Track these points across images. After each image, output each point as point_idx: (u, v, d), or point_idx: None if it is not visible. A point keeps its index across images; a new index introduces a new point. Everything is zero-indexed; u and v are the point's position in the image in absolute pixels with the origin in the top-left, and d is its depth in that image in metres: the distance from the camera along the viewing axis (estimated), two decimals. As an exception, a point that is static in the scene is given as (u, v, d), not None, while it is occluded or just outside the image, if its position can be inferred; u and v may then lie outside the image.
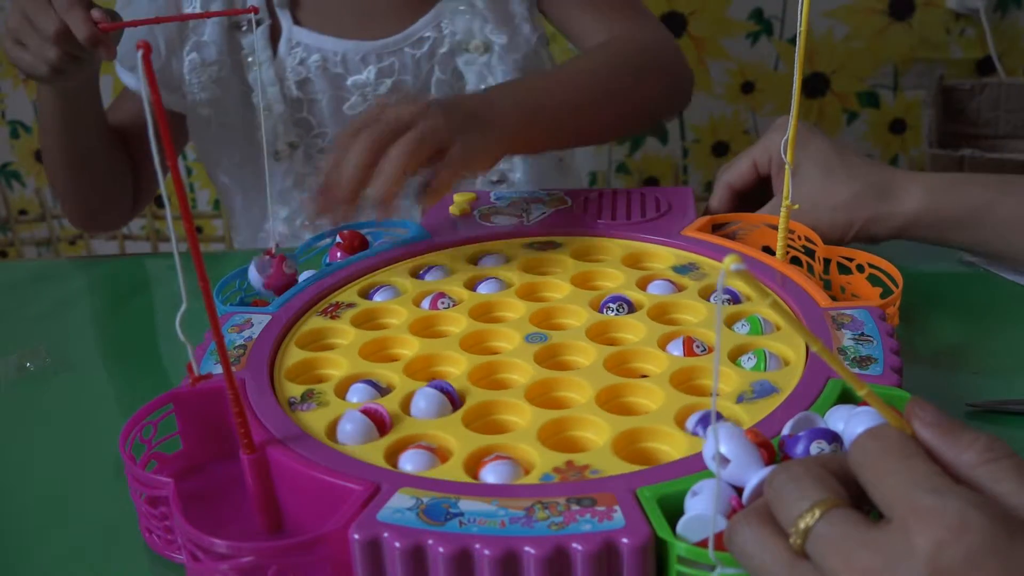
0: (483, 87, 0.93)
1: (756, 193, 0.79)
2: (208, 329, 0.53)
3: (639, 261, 0.67)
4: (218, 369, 0.51)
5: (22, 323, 0.78)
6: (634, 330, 0.56)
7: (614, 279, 0.64)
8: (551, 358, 0.55)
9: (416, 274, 0.66)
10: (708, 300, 0.59)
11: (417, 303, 0.62)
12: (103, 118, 0.94)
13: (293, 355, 0.56)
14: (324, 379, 0.54)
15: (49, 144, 0.94)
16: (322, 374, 0.55)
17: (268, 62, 0.92)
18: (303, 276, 0.65)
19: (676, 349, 0.53)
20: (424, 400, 0.49)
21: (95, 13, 0.73)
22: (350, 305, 0.62)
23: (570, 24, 0.99)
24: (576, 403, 0.50)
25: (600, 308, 0.59)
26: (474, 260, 0.68)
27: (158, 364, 0.69)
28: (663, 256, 0.67)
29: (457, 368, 0.54)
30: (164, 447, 0.50)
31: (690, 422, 0.47)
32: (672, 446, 0.46)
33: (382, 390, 0.52)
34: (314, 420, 0.49)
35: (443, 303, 0.61)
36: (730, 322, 0.56)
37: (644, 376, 0.52)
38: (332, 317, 0.60)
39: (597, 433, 0.47)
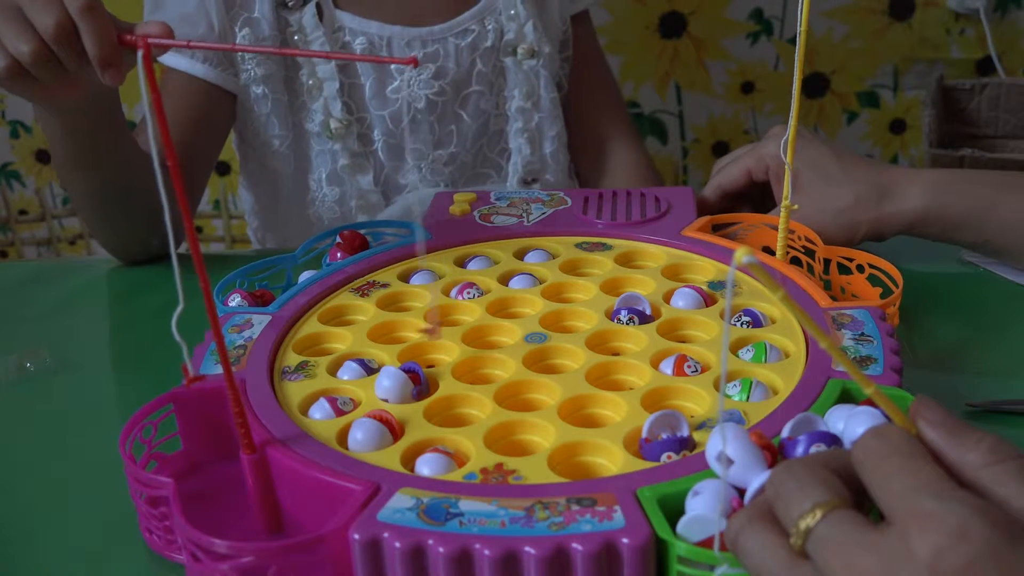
0: (526, 89, 1.00)
1: (753, 196, 0.80)
2: (208, 329, 0.53)
3: (679, 272, 0.65)
4: (218, 369, 0.51)
5: (22, 323, 0.78)
6: (636, 341, 0.56)
7: (645, 287, 0.62)
8: (540, 360, 0.55)
9: (461, 263, 0.68)
10: (731, 321, 0.56)
11: (447, 291, 0.63)
12: (126, 146, 0.81)
13: (309, 327, 0.59)
14: (327, 352, 0.57)
15: (68, 178, 0.83)
16: (327, 347, 0.58)
17: (322, 40, 0.93)
18: (303, 276, 0.65)
19: (667, 367, 0.52)
20: (388, 379, 0.50)
21: (152, 27, 0.57)
22: (384, 285, 0.64)
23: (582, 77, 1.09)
24: (540, 407, 0.50)
25: (612, 316, 0.58)
26: (521, 255, 0.69)
27: (158, 364, 0.69)
28: (704, 269, 0.65)
29: (449, 356, 0.55)
30: (164, 447, 0.50)
31: (645, 425, 0.45)
32: (611, 461, 0.45)
33: (370, 370, 0.53)
34: (298, 392, 0.51)
35: (469, 293, 0.62)
36: (737, 346, 0.54)
37: (631, 389, 0.51)
38: (363, 295, 0.63)
39: (545, 438, 0.47)
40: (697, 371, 0.52)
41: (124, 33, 0.56)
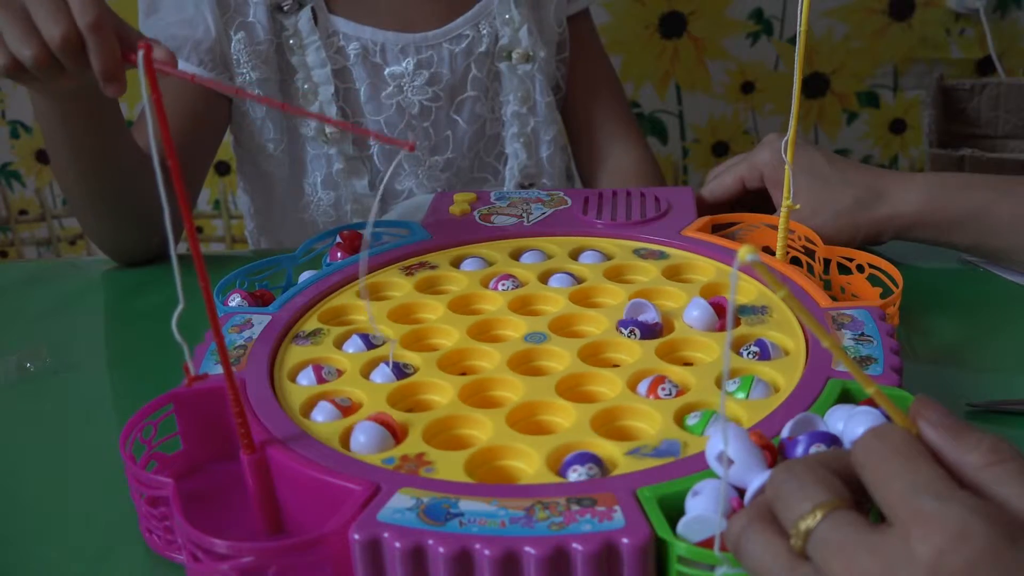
0: (520, 94, 1.00)
1: (746, 205, 0.80)
2: (208, 329, 0.53)
3: (718, 291, 0.61)
4: (218, 369, 0.51)
5: (22, 323, 0.78)
6: (629, 354, 0.54)
7: (677, 300, 0.60)
8: (525, 361, 0.54)
9: (518, 256, 0.68)
10: (738, 353, 0.53)
11: (486, 282, 0.63)
12: (123, 139, 0.81)
13: (342, 298, 0.62)
14: (348, 323, 0.60)
15: (63, 172, 0.82)
16: (349, 319, 0.61)
17: (318, 44, 0.93)
18: (303, 276, 0.65)
19: (643, 387, 0.50)
20: (377, 374, 0.53)
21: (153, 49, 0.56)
22: (433, 267, 0.66)
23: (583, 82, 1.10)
24: (494, 404, 0.50)
25: (617, 326, 0.57)
26: (575, 255, 0.68)
27: (158, 364, 0.69)
28: (745, 291, 0.60)
29: (448, 340, 0.57)
30: (164, 447, 0.50)
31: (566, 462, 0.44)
32: (529, 466, 0.45)
33: (372, 346, 0.56)
34: (299, 393, 0.52)
35: (504, 285, 0.62)
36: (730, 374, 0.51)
37: (592, 402, 0.49)
38: (408, 274, 0.65)
39: (481, 432, 0.48)
40: (671, 395, 0.49)
41: (130, 40, 0.58)
